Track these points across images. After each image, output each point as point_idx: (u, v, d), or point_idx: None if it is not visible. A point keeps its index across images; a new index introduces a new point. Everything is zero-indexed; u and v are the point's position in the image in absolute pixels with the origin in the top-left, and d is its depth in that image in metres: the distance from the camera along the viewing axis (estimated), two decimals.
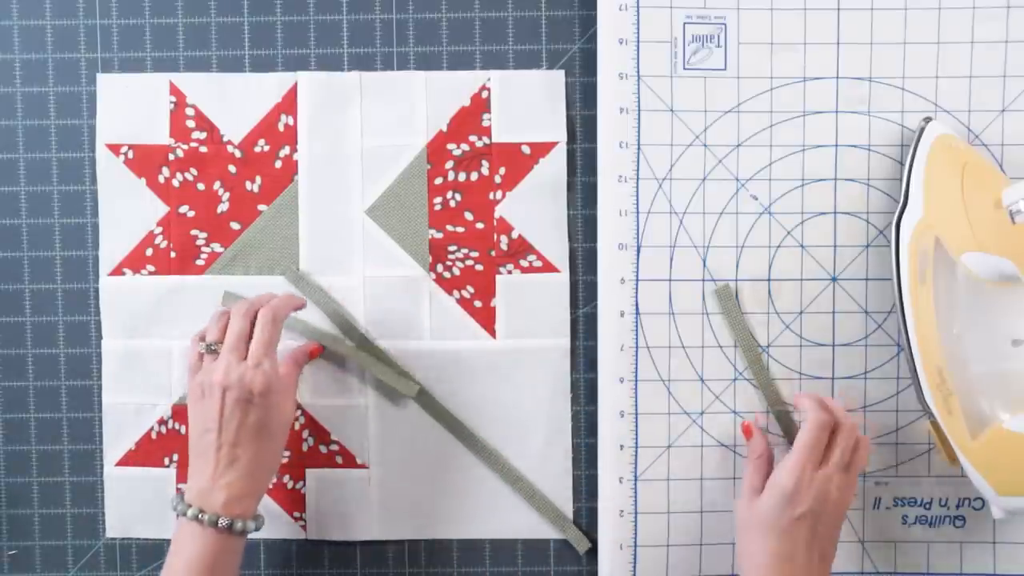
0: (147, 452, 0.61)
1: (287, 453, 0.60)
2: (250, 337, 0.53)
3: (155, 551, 0.61)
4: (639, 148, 0.59)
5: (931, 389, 0.54)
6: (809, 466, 0.52)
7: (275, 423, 0.53)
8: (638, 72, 0.59)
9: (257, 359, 0.52)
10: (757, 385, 0.59)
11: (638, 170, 0.59)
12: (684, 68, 0.59)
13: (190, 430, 0.54)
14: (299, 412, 0.60)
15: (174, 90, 0.60)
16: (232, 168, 0.60)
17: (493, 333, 0.60)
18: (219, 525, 0.51)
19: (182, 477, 0.60)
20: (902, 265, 0.56)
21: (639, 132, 0.59)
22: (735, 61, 0.59)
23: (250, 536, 0.60)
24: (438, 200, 0.60)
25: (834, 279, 0.59)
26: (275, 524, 0.61)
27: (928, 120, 0.57)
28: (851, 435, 0.54)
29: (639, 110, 0.59)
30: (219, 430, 0.52)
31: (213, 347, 0.54)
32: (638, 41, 0.58)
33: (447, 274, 0.60)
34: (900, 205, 0.57)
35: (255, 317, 0.54)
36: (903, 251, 0.55)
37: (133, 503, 0.61)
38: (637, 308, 0.59)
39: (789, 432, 0.59)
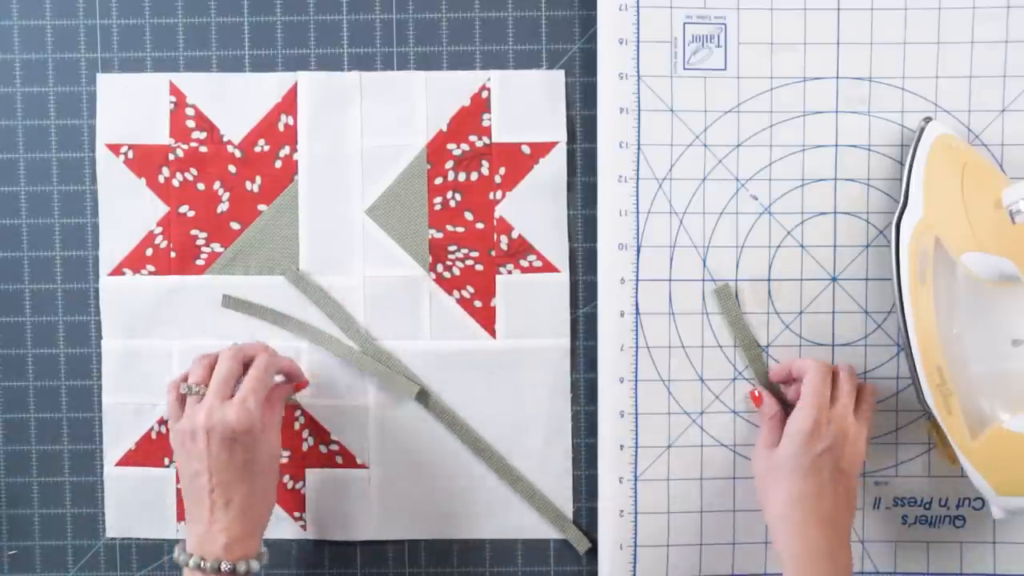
0: (147, 452, 0.61)
1: (287, 453, 0.61)
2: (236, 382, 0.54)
3: (155, 551, 0.62)
4: (639, 148, 0.59)
5: (931, 389, 0.55)
6: (822, 405, 0.54)
7: (263, 460, 0.53)
8: (638, 72, 0.59)
9: (243, 396, 0.53)
10: (757, 385, 0.60)
11: (638, 170, 0.60)
12: (684, 68, 0.59)
13: (181, 477, 0.54)
14: (299, 412, 0.61)
15: (174, 90, 0.60)
16: (232, 168, 0.61)
17: (493, 333, 0.61)
18: (222, 570, 0.51)
19: None
20: (902, 265, 0.56)
21: (639, 132, 0.59)
22: (735, 61, 0.59)
23: None
24: (438, 200, 0.61)
25: (834, 279, 0.60)
26: (275, 524, 0.61)
27: (928, 120, 0.58)
28: (852, 376, 0.56)
29: (639, 110, 0.59)
30: (209, 472, 0.52)
31: (196, 389, 0.54)
32: (638, 41, 0.59)
33: (447, 274, 0.61)
34: (900, 205, 0.57)
35: (244, 362, 0.54)
36: (903, 251, 0.56)
37: (133, 503, 0.62)
38: (637, 308, 0.59)
39: None
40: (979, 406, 0.55)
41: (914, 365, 0.55)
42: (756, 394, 0.58)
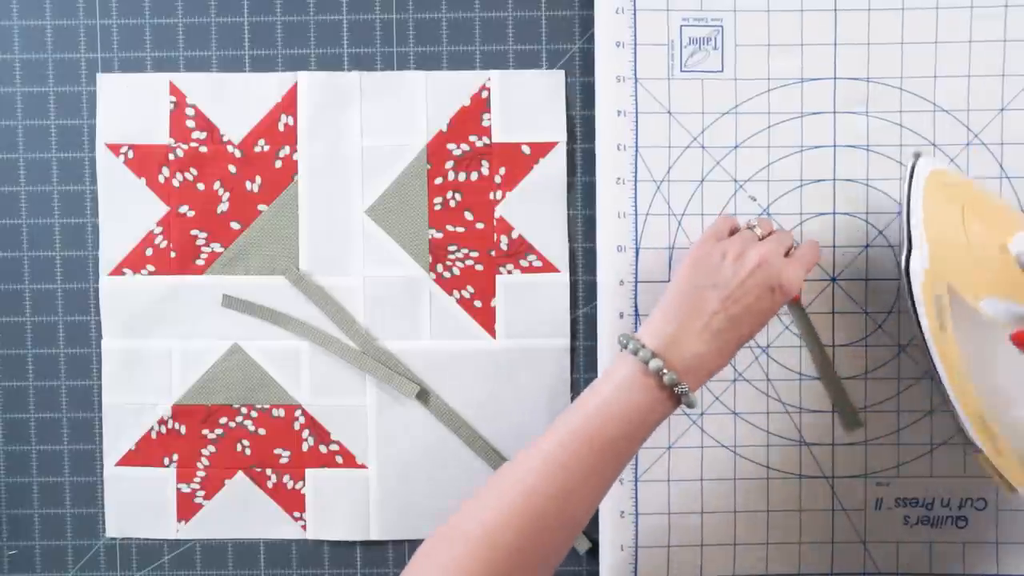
0: (147, 452, 0.63)
1: (287, 453, 0.63)
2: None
3: (155, 551, 0.64)
4: (637, 150, 0.61)
5: (976, 433, 0.54)
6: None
7: (760, 323, 0.53)
8: (635, 75, 0.61)
9: (804, 261, 0.54)
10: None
11: (636, 172, 0.61)
12: (681, 70, 0.61)
13: (683, 276, 0.53)
14: (299, 412, 0.63)
15: (174, 90, 0.62)
16: (232, 168, 0.63)
17: (493, 333, 0.63)
18: (675, 389, 0.50)
19: (182, 477, 0.63)
20: (919, 312, 0.54)
21: (637, 134, 0.61)
22: (732, 63, 0.60)
23: (250, 536, 0.64)
24: (438, 200, 0.62)
25: (833, 279, 0.61)
26: (275, 524, 0.63)
27: (917, 156, 0.56)
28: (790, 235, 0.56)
29: (637, 112, 0.61)
30: (729, 297, 0.51)
31: (756, 229, 0.55)
32: (635, 44, 0.60)
33: (447, 274, 0.63)
34: (905, 249, 0.56)
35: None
36: (917, 298, 0.55)
37: (133, 503, 0.63)
38: (636, 310, 0.61)
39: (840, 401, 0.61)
40: None
41: (954, 408, 0.54)
42: None
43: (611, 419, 0.50)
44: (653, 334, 0.52)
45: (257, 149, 0.63)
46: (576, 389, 0.63)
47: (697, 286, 0.52)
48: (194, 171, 0.63)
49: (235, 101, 0.63)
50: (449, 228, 0.63)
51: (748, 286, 0.52)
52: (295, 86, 0.63)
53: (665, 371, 0.50)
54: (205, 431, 0.64)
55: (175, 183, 0.63)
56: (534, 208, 0.62)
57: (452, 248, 0.63)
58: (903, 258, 0.55)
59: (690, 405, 0.51)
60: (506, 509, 0.48)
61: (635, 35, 0.61)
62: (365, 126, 0.63)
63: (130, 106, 0.63)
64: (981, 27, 0.60)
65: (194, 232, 0.63)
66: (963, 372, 0.54)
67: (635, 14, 0.61)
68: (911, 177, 0.56)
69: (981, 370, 0.53)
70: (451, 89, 0.62)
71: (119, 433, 0.64)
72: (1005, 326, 0.52)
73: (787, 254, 0.55)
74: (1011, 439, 0.54)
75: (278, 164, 0.63)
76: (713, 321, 0.51)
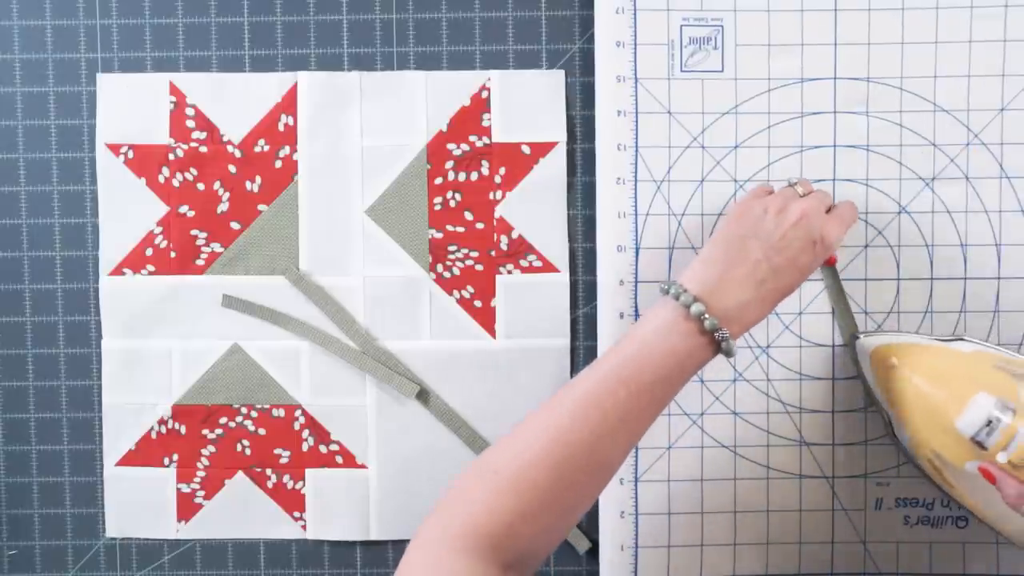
0: (147, 452, 0.63)
1: (287, 453, 0.63)
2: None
3: (155, 551, 0.64)
4: (637, 150, 0.61)
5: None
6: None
7: (801, 276, 0.53)
8: (635, 75, 0.61)
9: (843, 219, 0.54)
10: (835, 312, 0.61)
11: (636, 172, 0.62)
12: (681, 70, 0.61)
13: (726, 228, 0.53)
14: (299, 412, 0.63)
15: (174, 90, 0.63)
16: (232, 168, 0.63)
17: (493, 333, 0.63)
18: (716, 335, 0.50)
19: (182, 477, 0.63)
20: (925, 472, 0.57)
21: (637, 134, 0.61)
22: (732, 63, 0.61)
23: (250, 536, 0.64)
24: (438, 200, 0.63)
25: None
26: (275, 524, 0.64)
27: (855, 338, 0.59)
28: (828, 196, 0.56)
29: (637, 112, 0.61)
30: (772, 247, 0.52)
31: (798, 186, 0.55)
32: (635, 44, 0.61)
33: (447, 274, 0.63)
34: (885, 421, 0.59)
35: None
36: (918, 463, 0.57)
37: (133, 503, 0.64)
38: (636, 310, 0.61)
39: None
40: None
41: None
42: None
43: (649, 363, 0.49)
44: (695, 280, 0.51)
45: (257, 149, 0.63)
46: None
47: (740, 236, 0.52)
48: (194, 171, 0.63)
49: (235, 101, 0.63)
50: (449, 228, 0.63)
51: (790, 238, 0.52)
52: (295, 86, 0.63)
53: (707, 316, 0.50)
54: (205, 431, 0.64)
55: (175, 183, 0.63)
56: (534, 208, 0.63)
57: (452, 248, 0.63)
58: (889, 428, 0.58)
59: (729, 353, 0.51)
60: (538, 448, 0.47)
61: (635, 35, 0.61)
62: (365, 126, 0.63)
63: (130, 106, 0.63)
64: (981, 27, 0.60)
65: (194, 232, 0.63)
66: (990, 514, 0.55)
67: (635, 14, 0.61)
68: (857, 361, 0.59)
69: (1003, 514, 0.54)
70: (451, 89, 0.63)
71: (119, 433, 0.64)
72: None
73: (827, 213, 0.55)
74: None
75: (278, 164, 0.63)
76: (757, 270, 0.51)
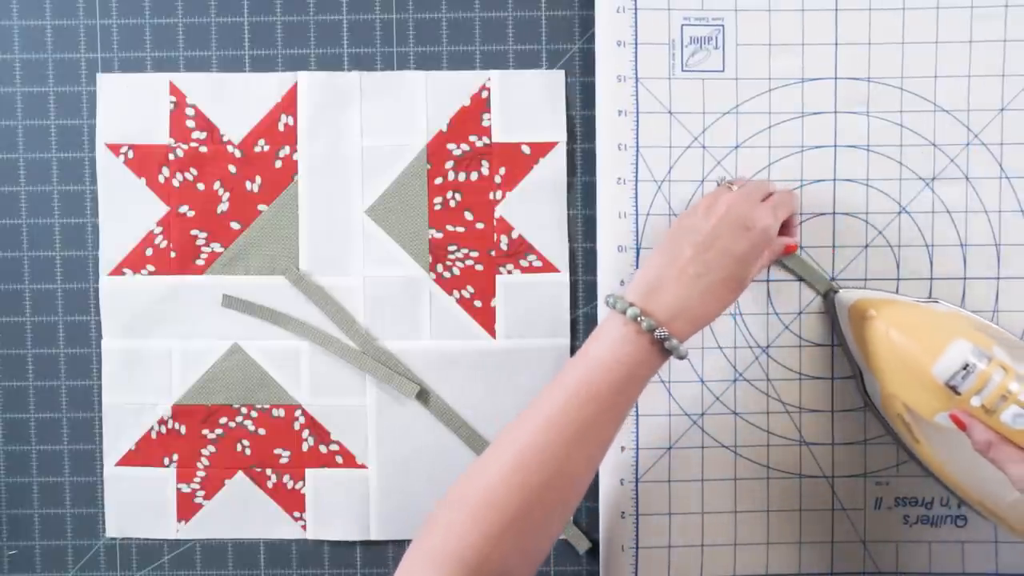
0: (147, 452, 0.63)
1: (287, 453, 0.63)
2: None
3: (155, 551, 0.64)
4: (638, 150, 0.61)
5: (987, 515, 0.57)
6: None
7: (746, 267, 0.53)
8: (636, 74, 0.61)
9: (775, 203, 0.55)
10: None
11: (637, 172, 0.62)
12: (682, 70, 0.61)
13: (670, 233, 0.55)
14: (299, 412, 0.63)
15: (174, 90, 0.63)
16: (232, 168, 0.63)
17: (493, 333, 0.63)
18: (655, 334, 0.51)
19: (182, 477, 0.63)
20: (893, 430, 0.58)
21: (637, 134, 0.61)
22: (733, 62, 0.61)
23: (250, 536, 0.64)
24: (438, 200, 0.63)
25: (833, 279, 0.62)
26: (275, 524, 0.64)
27: (835, 291, 0.60)
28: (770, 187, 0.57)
29: (637, 112, 0.61)
30: (702, 243, 0.52)
31: (731, 184, 0.56)
32: (636, 43, 0.61)
33: (447, 274, 0.63)
34: (856, 374, 0.60)
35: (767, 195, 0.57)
36: (884, 418, 0.59)
37: (133, 503, 0.64)
38: None
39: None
40: None
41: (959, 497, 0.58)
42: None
43: (598, 372, 0.50)
44: (634, 287, 0.53)
45: (257, 149, 0.63)
46: None
47: (674, 238, 0.54)
48: (194, 171, 0.63)
49: (235, 101, 0.63)
50: (449, 228, 0.63)
51: (719, 230, 0.53)
52: (295, 86, 0.63)
53: (643, 318, 0.51)
54: (205, 431, 0.64)
55: (175, 183, 0.63)
56: (534, 208, 0.63)
57: (452, 248, 0.63)
58: (859, 384, 0.59)
59: (677, 353, 0.51)
60: (503, 468, 0.48)
61: (636, 34, 0.61)
62: (365, 126, 0.63)
63: (130, 106, 0.63)
64: (981, 27, 0.61)
65: (194, 232, 0.63)
66: (951, 473, 0.56)
67: (636, 13, 0.61)
68: (835, 314, 0.60)
69: (966, 469, 0.56)
70: (451, 89, 0.63)
71: (119, 433, 0.64)
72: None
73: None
74: (1013, 517, 0.56)
75: (278, 164, 0.63)
76: (690, 267, 0.52)
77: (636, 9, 0.61)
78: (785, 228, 0.59)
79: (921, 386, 0.53)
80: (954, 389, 0.52)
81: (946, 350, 0.52)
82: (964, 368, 0.51)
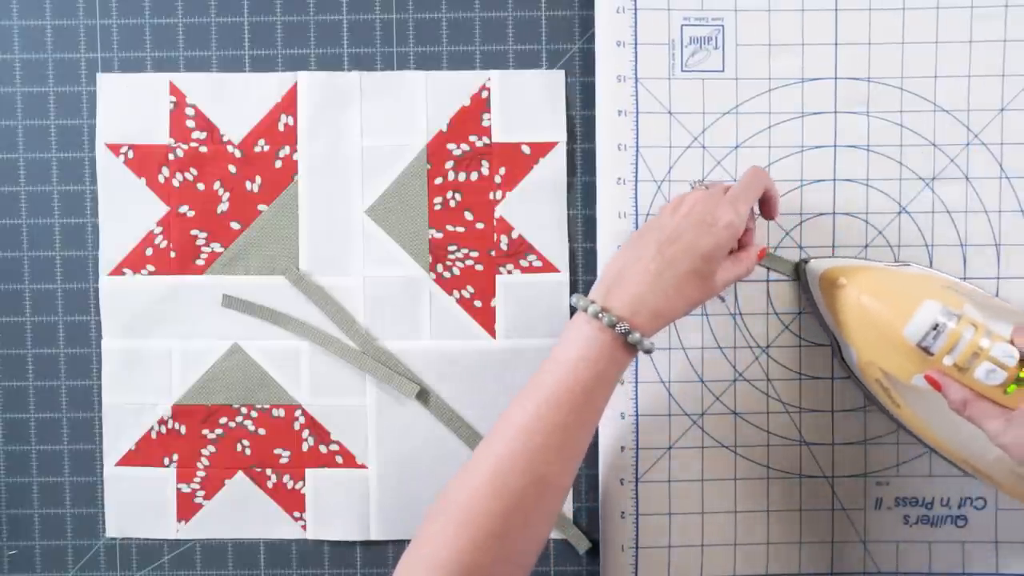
0: (147, 452, 0.64)
1: (287, 453, 0.64)
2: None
3: (155, 551, 0.64)
4: (637, 150, 0.62)
5: (972, 472, 0.57)
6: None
7: (714, 263, 0.53)
8: (636, 74, 0.61)
9: (734, 196, 0.55)
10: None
11: (637, 172, 0.62)
12: (682, 70, 0.61)
13: (636, 232, 0.55)
14: (299, 412, 0.64)
15: (174, 90, 0.63)
16: (232, 168, 0.63)
17: (493, 333, 0.63)
18: (616, 329, 0.51)
19: (182, 477, 0.64)
20: (872, 396, 0.59)
21: (637, 134, 0.62)
22: (733, 62, 0.61)
23: (250, 536, 0.64)
24: (438, 200, 0.63)
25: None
26: (275, 524, 0.64)
27: (805, 262, 0.61)
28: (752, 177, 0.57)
29: (637, 112, 0.61)
30: (666, 240, 0.53)
31: (701, 185, 0.57)
32: (636, 43, 0.61)
33: (447, 274, 0.63)
34: (832, 343, 0.60)
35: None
36: (863, 385, 0.59)
37: (133, 503, 0.64)
38: None
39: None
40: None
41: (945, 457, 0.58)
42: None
43: (566, 374, 0.51)
44: (596, 286, 0.54)
45: (257, 149, 0.63)
46: None
47: (639, 236, 0.55)
48: (194, 171, 0.63)
49: (235, 101, 0.63)
50: (449, 228, 0.63)
51: (682, 227, 0.53)
52: (295, 86, 0.63)
53: (603, 314, 0.51)
54: (205, 431, 0.64)
55: (175, 183, 0.64)
56: (534, 208, 0.63)
57: (452, 248, 0.63)
58: (836, 352, 0.60)
59: (641, 347, 0.52)
60: (483, 476, 0.49)
61: (636, 35, 0.61)
62: (365, 126, 0.63)
63: (130, 106, 0.63)
64: (981, 27, 0.61)
65: (194, 232, 0.64)
66: (935, 434, 0.57)
67: (636, 13, 0.61)
68: (806, 283, 0.60)
69: (948, 428, 0.56)
70: (451, 89, 0.63)
71: (119, 433, 0.64)
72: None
73: None
74: (997, 474, 0.56)
75: (278, 164, 0.63)
76: (651, 263, 0.52)
77: (636, 9, 0.61)
78: (765, 205, 0.59)
79: (895, 350, 0.54)
80: (926, 350, 0.52)
81: (916, 312, 0.52)
82: (934, 329, 0.52)
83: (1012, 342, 0.51)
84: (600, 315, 0.51)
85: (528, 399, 0.51)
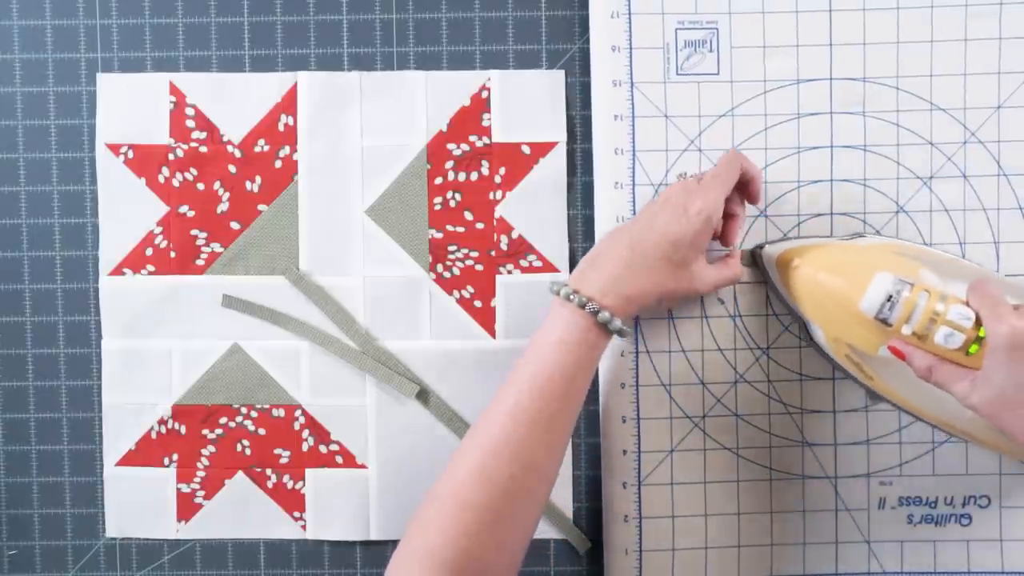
0: (147, 452, 0.69)
1: (287, 453, 0.69)
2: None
3: (155, 551, 0.70)
4: (634, 154, 0.67)
5: (959, 436, 0.63)
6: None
7: (685, 251, 0.59)
8: (631, 79, 0.66)
9: (707, 183, 0.60)
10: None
11: (634, 176, 0.67)
12: (677, 74, 0.66)
13: (619, 226, 0.62)
14: (299, 412, 0.69)
15: (174, 90, 0.69)
16: (232, 168, 0.69)
17: (493, 333, 0.68)
18: (586, 308, 0.57)
19: (182, 477, 0.69)
20: (848, 372, 0.64)
21: (634, 138, 0.67)
22: (728, 65, 0.66)
23: (250, 536, 0.69)
24: (438, 200, 0.68)
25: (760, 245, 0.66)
26: (275, 524, 0.69)
27: (760, 247, 0.65)
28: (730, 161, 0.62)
29: (633, 116, 0.66)
30: (642, 227, 0.59)
31: (692, 176, 0.62)
32: (631, 48, 0.66)
33: (447, 274, 0.69)
34: (800, 324, 0.65)
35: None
36: (836, 362, 0.64)
37: (133, 503, 0.69)
38: None
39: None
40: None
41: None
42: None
43: (546, 358, 0.57)
44: (573, 273, 0.60)
45: (257, 149, 0.69)
46: None
47: (618, 227, 0.61)
48: (194, 171, 0.69)
49: (235, 101, 0.69)
50: (449, 228, 0.69)
51: (658, 214, 0.59)
52: (295, 86, 0.69)
53: (574, 295, 0.57)
54: (205, 431, 0.70)
55: (175, 183, 0.69)
56: (534, 208, 0.68)
57: (452, 248, 0.69)
58: (808, 331, 0.64)
59: (611, 326, 0.57)
60: (470, 465, 0.55)
61: (631, 39, 0.66)
62: (365, 126, 0.69)
63: (130, 106, 0.69)
64: (976, 25, 0.65)
65: (194, 232, 0.69)
66: (912, 402, 0.62)
67: (630, 18, 0.66)
68: (764, 268, 0.65)
69: (924, 395, 0.61)
70: (451, 89, 0.68)
71: (119, 433, 0.70)
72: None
73: None
74: (977, 431, 0.61)
75: (278, 164, 0.69)
76: (624, 250, 0.59)
77: (630, 14, 0.66)
78: (747, 189, 0.63)
79: (856, 324, 0.59)
80: (884, 322, 0.57)
81: (868, 286, 0.57)
82: (889, 300, 0.56)
83: (968, 303, 0.55)
84: (572, 296, 0.57)
85: (511, 387, 0.57)
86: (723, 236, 0.65)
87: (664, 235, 0.59)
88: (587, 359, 0.58)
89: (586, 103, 0.68)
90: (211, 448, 0.70)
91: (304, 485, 0.70)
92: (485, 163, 0.69)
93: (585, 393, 0.59)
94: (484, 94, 0.69)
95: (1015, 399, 0.53)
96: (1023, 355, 0.52)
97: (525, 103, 0.68)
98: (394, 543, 0.70)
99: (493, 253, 0.69)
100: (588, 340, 0.58)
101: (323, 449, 0.70)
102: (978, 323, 0.55)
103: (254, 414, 0.70)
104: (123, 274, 0.70)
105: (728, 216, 0.64)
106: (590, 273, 0.59)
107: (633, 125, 0.67)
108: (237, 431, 0.70)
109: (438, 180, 0.69)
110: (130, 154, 0.70)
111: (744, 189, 0.64)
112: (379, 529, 0.70)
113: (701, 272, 0.61)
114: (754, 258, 0.67)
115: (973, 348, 0.55)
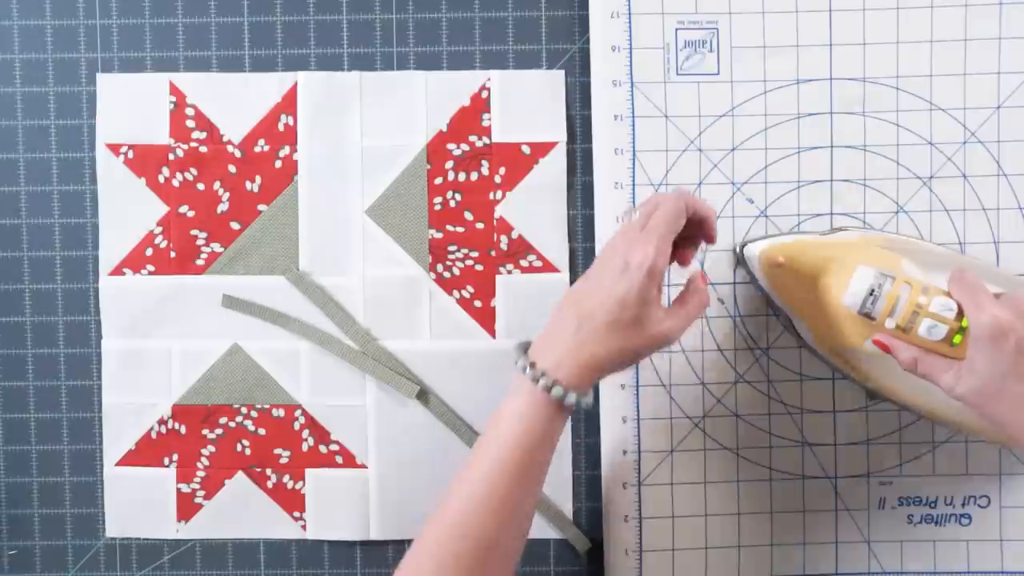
0: (147, 452, 0.71)
1: (287, 453, 0.71)
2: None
3: (155, 551, 0.71)
4: (634, 154, 0.68)
5: (952, 426, 0.64)
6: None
7: (632, 309, 0.55)
8: (631, 79, 0.67)
9: (648, 231, 0.55)
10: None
11: (634, 176, 0.68)
12: (677, 74, 0.67)
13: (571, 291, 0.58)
14: (299, 412, 0.70)
15: (174, 90, 0.70)
16: (232, 168, 0.70)
17: (493, 333, 0.70)
18: (539, 382, 0.54)
19: (182, 477, 0.71)
20: (839, 368, 0.65)
21: (634, 138, 0.68)
22: (728, 65, 0.67)
23: (250, 536, 0.71)
24: (438, 200, 0.70)
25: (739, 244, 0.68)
26: (275, 524, 0.71)
27: (743, 245, 0.66)
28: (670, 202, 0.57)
29: (633, 116, 0.68)
30: (586, 292, 0.56)
31: (630, 217, 0.58)
32: (631, 48, 0.67)
33: (447, 274, 0.70)
34: (786, 322, 0.66)
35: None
36: (825, 358, 0.65)
37: (133, 503, 0.71)
38: None
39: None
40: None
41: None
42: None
43: (506, 434, 0.55)
44: (535, 342, 0.58)
45: (257, 149, 0.70)
46: None
47: (571, 291, 0.58)
48: (194, 171, 0.70)
49: (235, 101, 0.70)
50: (449, 228, 0.70)
51: (602, 274, 0.56)
52: (295, 86, 0.70)
53: (529, 369, 0.55)
54: (205, 431, 0.71)
55: (175, 183, 0.70)
56: (534, 208, 0.69)
57: (452, 248, 0.70)
58: (790, 329, 0.65)
59: (567, 403, 0.55)
60: (439, 538, 0.55)
61: (630, 39, 0.68)
62: (365, 126, 0.70)
63: (130, 106, 0.70)
64: (976, 25, 0.67)
65: (194, 232, 0.70)
66: (903, 394, 0.63)
67: (630, 18, 0.67)
68: (748, 268, 0.65)
69: (912, 387, 0.62)
70: (451, 89, 0.70)
71: (119, 433, 0.71)
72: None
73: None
74: (969, 421, 0.62)
75: (278, 164, 0.70)
76: (573, 319, 0.56)
77: (630, 14, 0.67)
78: (701, 229, 0.59)
79: (842, 319, 0.60)
80: (868, 316, 0.58)
81: (851, 281, 0.58)
82: (871, 294, 0.57)
83: (949, 294, 0.56)
84: (526, 370, 0.55)
85: (476, 461, 0.56)
86: (679, 260, 0.61)
87: (609, 295, 0.55)
88: (546, 434, 0.56)
89: (586, 103, 0.70)
90: (211, 448, 0.72)
91: (304, 485, 0.71)
92: (485, 163, 0.70)
93: (546, 468, 0.57)
94: (484, 94, 0.70)
95: (1000, 388, 0.54)
96: (1005, 344, 0.53)
97: (525, 103, 0.70)
98: (394, 543, 0.71)
99: (493, 253, 0.70)
100: (547, 416, 0.56)
101: (323, 449, 0.71)
102: (961, 313, 0.56)
103: (254, 414, 0.71)
104: (123, 274, 0.71)
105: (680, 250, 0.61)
106: (545, 347, 0.57)
107: (633, 125, 0.68)
108: (237, 431, 0.72)
109: (438, 180, 0.70)
110: (130, 154, 0.71)
111: (699, 228, 0.59)
112: (379, 529, 0.71)
113: (660, 323, 0.56)
114: (736, 257, 0.68)
115: (957, 339, 0.56)
